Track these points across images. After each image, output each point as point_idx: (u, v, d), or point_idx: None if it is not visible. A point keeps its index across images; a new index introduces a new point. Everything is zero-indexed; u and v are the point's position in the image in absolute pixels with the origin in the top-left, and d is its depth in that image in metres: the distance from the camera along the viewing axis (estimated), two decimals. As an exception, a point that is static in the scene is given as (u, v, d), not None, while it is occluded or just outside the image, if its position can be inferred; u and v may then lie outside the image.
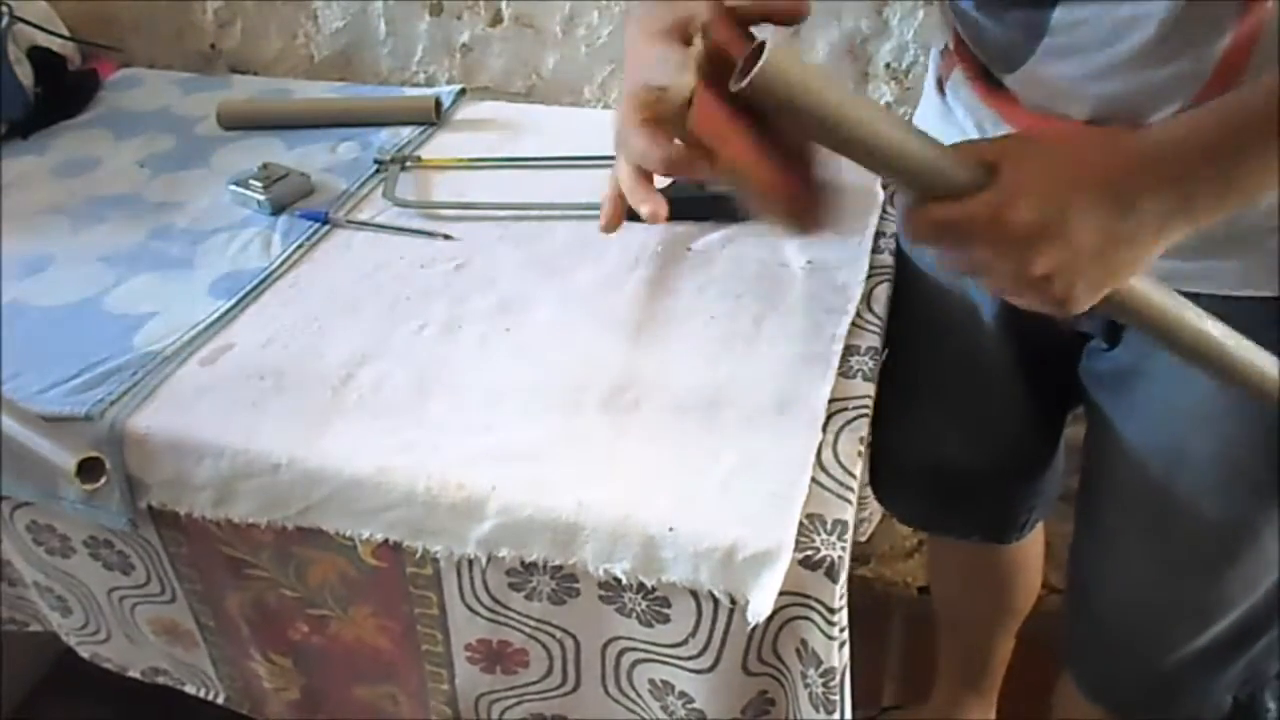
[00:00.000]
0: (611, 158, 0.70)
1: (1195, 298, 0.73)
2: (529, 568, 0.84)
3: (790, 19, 0.66)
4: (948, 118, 0.94)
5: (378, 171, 1.24)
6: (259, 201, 1.17)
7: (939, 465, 1.13)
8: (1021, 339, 1.02)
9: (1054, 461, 1.18)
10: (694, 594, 0.81)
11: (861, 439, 0.87)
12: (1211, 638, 0.95)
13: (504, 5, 1.42)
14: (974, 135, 0.90)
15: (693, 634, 0.84)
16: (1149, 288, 0.70)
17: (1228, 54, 0.71)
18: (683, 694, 0.89)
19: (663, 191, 0.69)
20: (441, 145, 1.31)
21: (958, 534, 1.28)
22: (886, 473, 1.19)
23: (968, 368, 1.07)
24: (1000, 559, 1.31)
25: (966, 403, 1.10)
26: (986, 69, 0.87)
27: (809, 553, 0.77)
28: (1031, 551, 1.33)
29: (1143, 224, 0.65)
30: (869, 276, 1.04)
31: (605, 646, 0.89)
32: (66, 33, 1.50)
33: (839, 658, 0.81)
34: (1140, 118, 0.76)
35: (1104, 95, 0.78)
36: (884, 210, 1.14)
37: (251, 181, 1.18)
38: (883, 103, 1.35)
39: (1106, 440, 0.96)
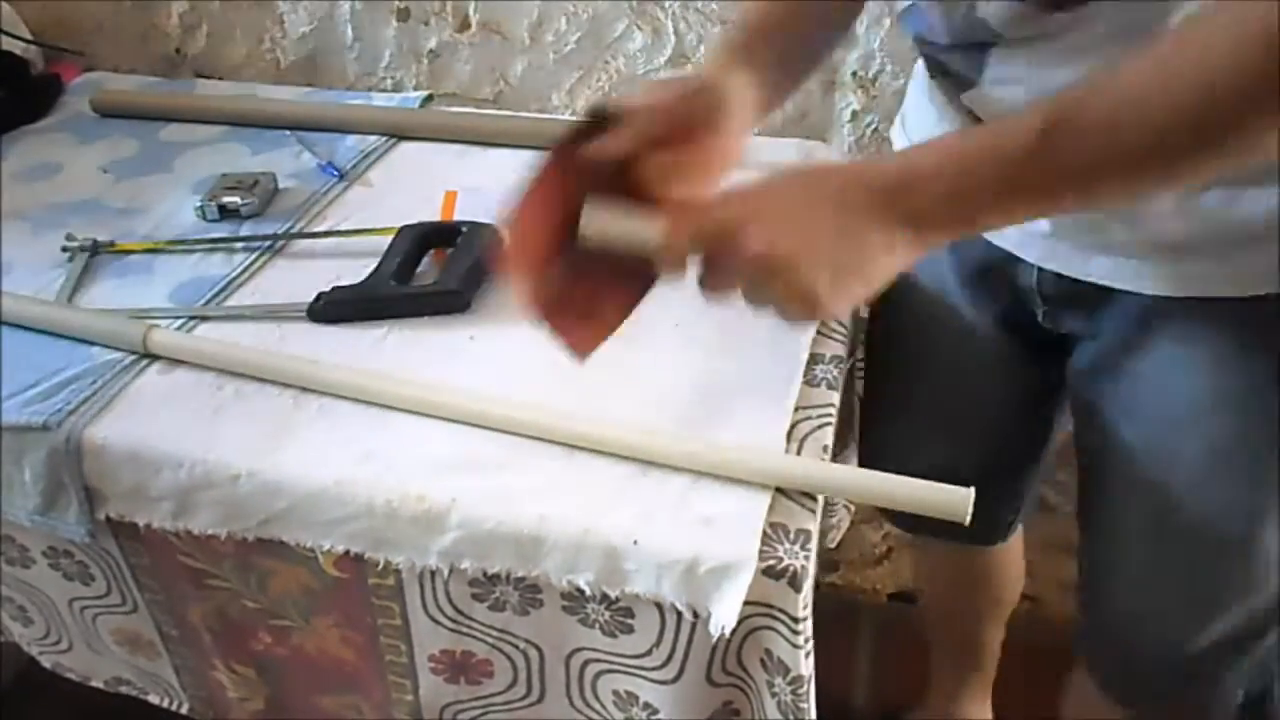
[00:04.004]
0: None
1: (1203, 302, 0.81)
2: (492, 578, 0.83)
3: None
4: (941, 118, 0.95)
5: (340, 179, 1.23)
6: (220, 209, 1.16)
7: (925, 468, 1.12)
8: (1011, 339, 1.02)
9: (1041, 463, 1.19)
10: (658, 605, 0.80)
11: (825, 447, 0.88)
12: (1220, 632, 0.96)
13: (471, 11, 1.41)
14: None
15: (656, 645, 0.83)
16: None
17: None
18: (647, 705, 0.88)
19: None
20: (405, 154, 1.30)
21: (944, 537, 1.28)
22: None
23: (956, 370, 1.08)
24: (985, 559, 1.32)
25: (954, 404, 1.11)
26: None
27: (772, 562, 0.76)
28: (1014, 549, 1.34)
29: (857, 220, 0.71)
30: (834, 285, 1.04)
31: (569, 657, 0.89)
32: (29, 36, 1.48)
33: (805, 666, 0.80)
34: None
35: None
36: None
37: (213, 190, 1.17)
38: (850, 111, 1.35)
39: (1099, 441, 0.97)
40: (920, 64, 0.98)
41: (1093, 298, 0.89)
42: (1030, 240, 0.90)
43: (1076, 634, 1.11)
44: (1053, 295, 0.94)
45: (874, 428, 1.19)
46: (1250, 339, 0.84)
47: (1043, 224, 0.88)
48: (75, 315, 1.00)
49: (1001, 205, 0.70)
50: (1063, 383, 1.02)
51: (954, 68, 0.85)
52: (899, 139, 1.05)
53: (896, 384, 1.14)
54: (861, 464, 1.19)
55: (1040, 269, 0.92)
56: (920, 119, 0.99)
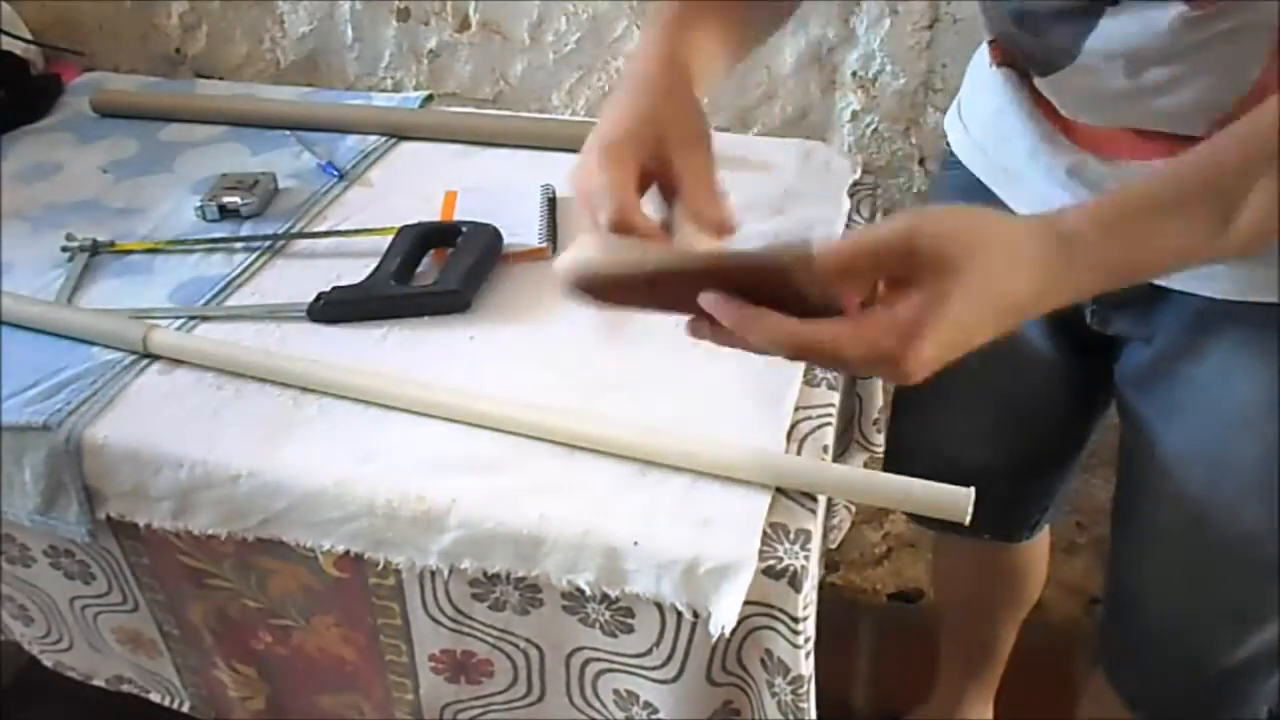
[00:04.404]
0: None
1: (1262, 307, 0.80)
2: (492, 578, 0.83)
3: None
4: (1002, 109, 0.94)
5: (340, 179, 1.23)
6: (220, 210, 1.16)
7: (957, 462, 1.08)
8: (1057, 340, 1.02)
9: (1074, 464, 1.19)
10: (658, 605, 0.80)
11: (825, 448, 0.87)
12: (1252, 648, 0.94)
13: (472, 11, 1.41)
14: (1025, 125, 0.91)
15: (656, 644, 0.83)
16: None
17: (1262, 77, 0.72)
18: (647, 704, 0.88)
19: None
20: (404, 154, 1.30)
21: (967, 533, 1.28)
22: (901, 470, 1.20)
23: (996, 365, 1.06)
24: (1008, 557, 1.32)
25: (991, 400, 1.10)
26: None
27: (772, 562, 0.76)
28: (1038, 549, 1.34)
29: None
30: (834, 284, 1.04)
31: (569, 657, 0.89)
32: (29, 36, 1.48)
33: (805, 665, 0.81)
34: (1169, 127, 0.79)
35: (1131, 111, 0.80)
36: (849, 219, 1.14)
37: (213, 190, 1.17)
38: (850, 111, 1.35)
39: (1145, 445, 0.96)
40: (981, 53, 0.98)
41: (1146, 298, 0.89)
42: None
43: (1102, 645, 1.09)
44: (1104, 295, 0.93)
45: (906, 418, 1.18)
46: (1261, 345, 0.83)
47: None
48: (75, 315, 1.00)
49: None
50: (1105, 386, 1.01)
51: (1046, 43, 0.83)
52: (954, 127, 1.04)
53: (938, 380, 1.13)
54: (889, 454, 1.20)
55: None
56: (980, 106, 0.98)
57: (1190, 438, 0.91)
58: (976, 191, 0.99)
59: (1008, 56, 0.91)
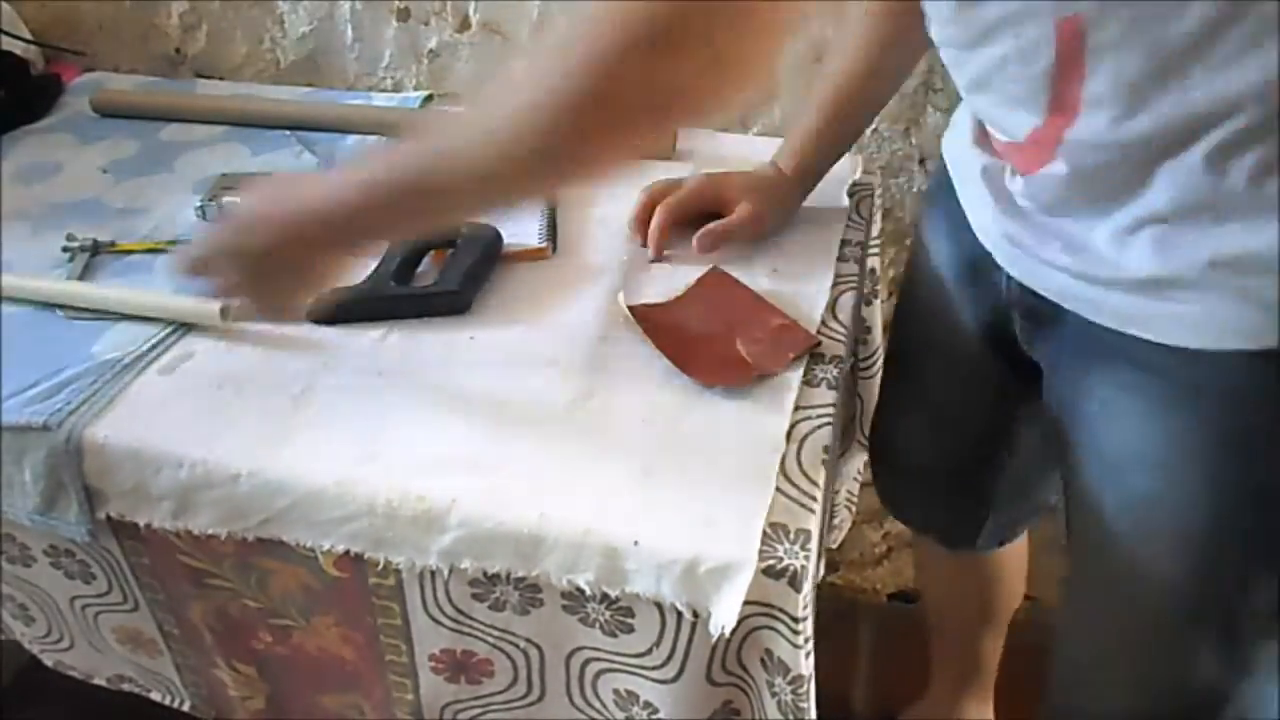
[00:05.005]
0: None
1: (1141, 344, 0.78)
2: (492, 578, 0.83)
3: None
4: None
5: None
6: (220, 210, 1.15)
7: (906, 459, 1.18)
8: (990, 351, 1.02)
9: (1006, 474, 1.17)
10: (658, 605, 0.80)
11: (825, 448, 0.87)
12: (1190, 689, 0.90)
13: (472, 11, 1.41)
14: (964, 119, 0.96)
15: (656, 644, 0.83)
16: None
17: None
18: (647, 704, 0.88)
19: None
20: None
21: (922, 536, 1.31)
22: (876, 469, 1.26)
23: (945, 365, 1.09)
24: (980, 564, 1.32)
25: (939, 399, 1.13)
26: None
27: (772, 562, 0.76)
28: (1012, 557, 1.34)
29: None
30: (834, 285, 1.04)
31: (570, 656, 0.89)
32: (29, 36, 1.48)
33: (805, 665, 0.80)
34: None
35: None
36: (849, 219, 1.14)
37: (213, 190, 1.17)
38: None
39: (1065, 471, 0.95)
40: None
41: (1051, 320, 0.88)
42: (998, 244, 0.90)
43: (1042, 697, 1.07)
44: (1019, 305, 0.93)
45: (877, 418, 1.23)
46: (1182, 397, 0.79)
47: (1008, 227, 0.87)
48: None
49: (394, 226, 0.84)
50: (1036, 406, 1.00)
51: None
52: (947, 146, 1.04)
53: (898, 371, 1.18)
54: (871, 454, 1.26)
55: (1009, 275, 0.91)
56: (958, 130, 0.99)
57: (1087, 473, 0.90)
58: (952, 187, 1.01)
59: None
